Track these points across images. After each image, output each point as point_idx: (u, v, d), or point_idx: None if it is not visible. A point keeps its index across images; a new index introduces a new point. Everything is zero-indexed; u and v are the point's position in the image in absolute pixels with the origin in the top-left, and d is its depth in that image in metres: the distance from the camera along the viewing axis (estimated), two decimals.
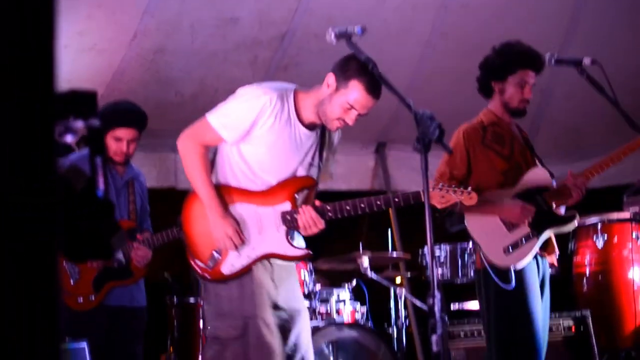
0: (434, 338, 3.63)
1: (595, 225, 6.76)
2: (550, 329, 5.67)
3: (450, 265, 6.40)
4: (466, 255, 6.35)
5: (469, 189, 4.28)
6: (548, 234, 4.81)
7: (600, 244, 6.68)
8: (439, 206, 4.26)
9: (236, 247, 4.09)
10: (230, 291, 4.14)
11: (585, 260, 6.81)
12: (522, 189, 4.81)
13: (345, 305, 6.24)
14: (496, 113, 4.98)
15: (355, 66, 4.04)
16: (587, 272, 6.78)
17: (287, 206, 4.15)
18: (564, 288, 6.93)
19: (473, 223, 4.92)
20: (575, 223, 4.89)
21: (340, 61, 4.15)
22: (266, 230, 4.15)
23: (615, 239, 6.61)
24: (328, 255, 6.37)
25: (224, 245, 4.09)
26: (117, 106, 5.60)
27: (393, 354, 5.85)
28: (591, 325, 5.76)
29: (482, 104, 7.83)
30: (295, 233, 4.27)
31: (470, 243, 6.25)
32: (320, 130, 4.30)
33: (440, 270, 6.39)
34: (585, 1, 7.59)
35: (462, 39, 7.66)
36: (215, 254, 4.11)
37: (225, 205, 4.13)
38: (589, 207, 6.93)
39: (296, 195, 4.19)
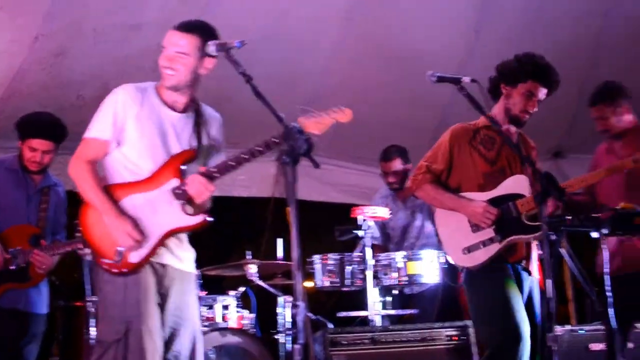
0: (296, 348, 3.68)
1: None
2: (433, 339, 5.83)
3: (339, 273, 6.48)
4: (354, 265, 6.43)
5: (340, 106, 4.29)
6: (513, 240, 4.88)
7: None
8: (319, 132, 4.22)
9: (137, 242, 4.21)
10: (115, 296, 4.23)
11: None
12: (498, 194, 4.91)
13: (231, 312, 6.31)
14: (495, 117, 5.01)
15: None
16: None
17: (175, 182, 4.29)
18: (451, 298, 7.08)
19: (440, 219, 5.06)
20: (542, 233, 4.82)
21: None
22: (160, 210, 4.28)
23: None
24: (217, 262, 6.43)
25: (126, 242, 4.20)
26: (34, 117, 5.74)
27: None
28: (473, 336, 5.86)
29: (389, 113, 8.05)
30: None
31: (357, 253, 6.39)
32: (195, 112, 4.45)
33: (329, 279, 6.48)
34: (488, 16, 7.76)
35: (368, 49, 7.79)
36: (120, 249, 4.20)
37: (116, 203, 4.26)
38: None
39: (183, 169, 4.31)
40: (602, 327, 6.42)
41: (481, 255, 4.85)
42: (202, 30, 4.30)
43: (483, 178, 4.97)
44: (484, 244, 4.86)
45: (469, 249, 4.88)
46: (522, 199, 4.90)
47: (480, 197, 4.92)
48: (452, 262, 5.03)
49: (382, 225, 7.31)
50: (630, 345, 5.62)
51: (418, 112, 8.13)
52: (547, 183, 4.28)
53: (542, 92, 4.99)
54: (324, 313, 6.69)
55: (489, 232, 4.86)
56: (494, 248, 4.85)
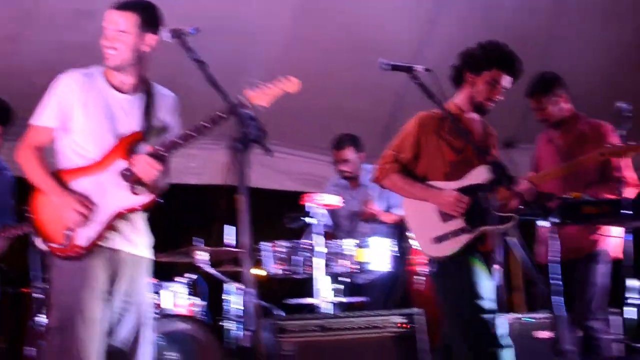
0: (245, 334, 3.70)
1: None
2: (382, 326, 5.87)
3: (289, 261, 6.50)
4: (304, 252, 6.46)
5: (287, 76, 4.33)
6: (484, 230, 4.83)
7: None
8: (266, 104, 4.23)
9: (86, 217, 4.22)
10: (60, 283, 4.24)
11: (420, 258, 6.89)
12: (467, 184, 4.85)
13: (181, 299, 6.31)
14: (461, 107, 5.03)
15: None
16: (421, 270, 6.88)
17: (123, 164, 4.29)
18: (400, 285, 7.13)
19: (409, 209, 5.00)
20: (512, 224, 4.86)
21: None
22: (109, 192, 4.28)
23: None
24: (167, 249, 6.41)
25: (74, 219, 4.21)
26: None
27: (225, 348, 5.94)
28: (420, 324, 5.90)
29: (343, 102, 8.06)
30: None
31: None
32: (146, 92, 4.45)
33: (279, 266, 6.50)
34: (443, 4, 7.80)
35: (322, 38, 7.79)
36: (68, 232, 4.21)
37: (65, 187, 4.27)
38: None
39: (131, 150, 4.31)
40: (549, 315, 6.55)
41: (451, 245, 4.80)
42: (140, 8, 4.33)
43: (449, 167, 4.92)
44: (455, 233, 4.80)
45: (440, 239, 4.82)
46: (492, 189, 4.85)
47: (449, 187, 4.87)
48: (423, 251, 4.94)
49: (333, 214, 7.34)
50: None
51: (372, 101, 8.16)
52: (497, 171, 4.32)
53: (507, 80, 4.96)
54: (274, 300, 6.72)
55: (459, 222, 4.82)
56: (465, 238, 4.81)
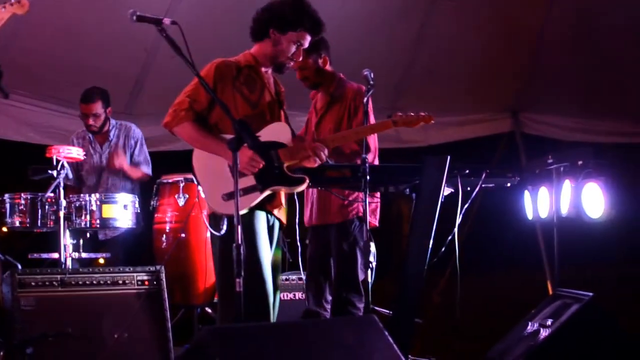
0: None
1: (177, 183, 6.98)
2: (124, 282, 5.83)
3: (30, 214, 6.34)
4: (46, 205, 6.33)
5: None
6: (274, 190, 4.78)
7: (181, 202, 6.91)
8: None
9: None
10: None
11: (167, 217, 7.03)
12: (261, 139, 4.59)
13: None
14: (257, 58, 4.91)
15: None
16: (167, 229, 7.01)
17: None
18: (145, 243, 7.14)
19: (199, 161, 4.81)
20: (304, 186, 4.84)
21: None
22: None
23: (197, 199, 6.81)
24: None
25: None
26: None
27: None
28: (164, 281, 5.92)
29: (92, 55, 7.87)
30: None
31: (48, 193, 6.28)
32: None
33: (20, 219, 6.33)
34: None
35: None
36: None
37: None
38: (173, 166, 7.19)
39: None
40: (294, 277, 6.77)
41: (241, 203, 4.49)
42: None
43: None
44: (245, 191, 4.66)
45: (230, 196, 4.59)
46: (284, 148, 4.83)
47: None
48: (212, 209, 4.78)
49: (78, 167, 7.20)
50: None
51: (121, 54, 8.02)
52: (240, 129, 4.31)
53: (308, 40, 4.95)
54: (15, 254, 6.53)
55: (250, 180, 4.70)
56: (255, 197, 4.72)
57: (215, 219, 4.77)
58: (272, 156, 4.78)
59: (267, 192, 4.76)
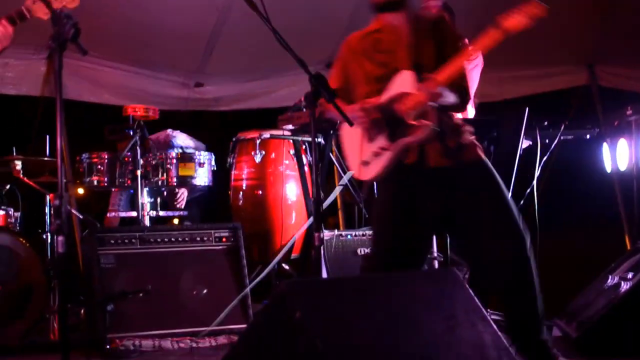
0: (60, 239, 3.62)
1: (254, 140, 6.94)
2: (202, 239, 5.89)
3: (108, 173, 6.39)
4: (124, 164, 6.38)
5: None
6: (402, 143, 4.33)
7: (258, 158, 6.90)
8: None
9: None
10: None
11: (243, 175, 7.02)
12: (386, 98, 4.38)
13: None
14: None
15: None
16: (244, 186, 7.00)
17: None
18: (222, 200, 7.17)
19: (344, 133, 4.62)
20: (427, 132, 4.28)
21: None
22: None
23: (273, 155, 6.85)
24: None
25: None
26: None
27: (42, 260, 5.82)
28: (242, 238, 5.96)
29: (158, 18, 7.87)
30: None
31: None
32: None
33: (98, 178, 6.39)
34: None
35: None
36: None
37: None
38: (248, 123, 7.19)
39: None
40: (369, 232, 6.73)
41: (376, 167, 4.39)
42: None
43: (373, 83, 4.46)
44: (377, 154, 4.40)
45: (366, 162, 4.42)
46: (401, 98, 4.33)
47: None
48: (355, 176, 4.61)
49: None
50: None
51: (193, 14, 8.01)
52: (317, 83, 4.17)
53: None
54: (94, 213, 6.62)
55: (381, 141, 4.38)
56: (387, 156, 4.38)
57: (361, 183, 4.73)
58: (395, 110, 4.35)
59: (395, 149, 4.35)
